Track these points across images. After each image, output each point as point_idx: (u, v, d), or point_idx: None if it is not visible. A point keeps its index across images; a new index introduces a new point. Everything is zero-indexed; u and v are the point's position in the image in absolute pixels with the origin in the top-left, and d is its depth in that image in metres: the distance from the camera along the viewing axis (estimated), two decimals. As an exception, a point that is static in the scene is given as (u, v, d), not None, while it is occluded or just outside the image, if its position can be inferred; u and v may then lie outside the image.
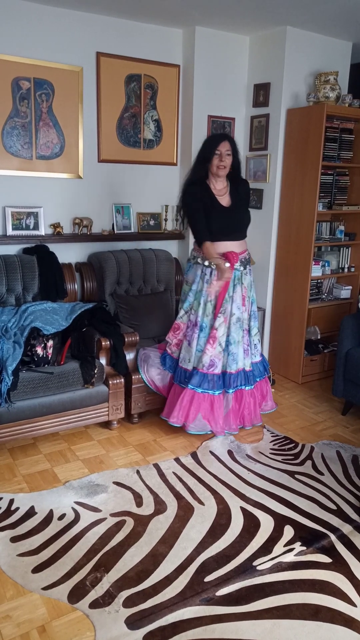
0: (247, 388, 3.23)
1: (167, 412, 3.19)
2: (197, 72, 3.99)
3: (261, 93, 4.12)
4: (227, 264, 2.97)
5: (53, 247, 3.65)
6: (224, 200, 3.08)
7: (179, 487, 2.70)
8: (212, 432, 3.17)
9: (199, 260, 3.13)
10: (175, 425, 3.12)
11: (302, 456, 3.06)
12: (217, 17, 3.68)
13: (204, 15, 3.65)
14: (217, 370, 3.12)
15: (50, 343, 3.06)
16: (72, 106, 3.68)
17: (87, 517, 2.43)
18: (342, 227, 4.28)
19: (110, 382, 3.13)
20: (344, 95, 3.92)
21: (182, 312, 3.23)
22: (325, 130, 3.78)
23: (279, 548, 2.28)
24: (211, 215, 3.01)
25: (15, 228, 3.57)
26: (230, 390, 3.18)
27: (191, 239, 4.06)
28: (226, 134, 3.05)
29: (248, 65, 4.23)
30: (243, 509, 2.54)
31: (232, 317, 3.13)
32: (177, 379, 3.21)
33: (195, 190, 3.04)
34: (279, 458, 3.04)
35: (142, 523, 2.41)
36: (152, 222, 4.17)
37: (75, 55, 3.62)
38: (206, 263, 3.08)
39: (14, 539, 2.28)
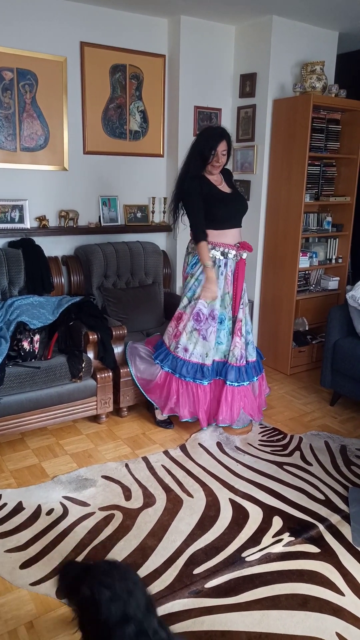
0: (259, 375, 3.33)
1: (174, 409, 3.13)
2: (182, 62, 3.95)
3: (247, 83, 4.09)
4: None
5: (39, 240, 3.60)
6: (224, 188, 3.06)
7: (168, 479, 2.70)
8: (251, 422, 3.30)
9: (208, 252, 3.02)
10: (224, 425, 3.15)
11: (291, 447, 3.07)
12: (202, 6, 3.64)
13: (189, 4, 3.60)
14: (244, 360, 3.14)
15: (37, 337, 3.03)
16: (56, 97, 3.62)
17: (75, 512, 2.42)
18: (329, 218, 4.28)
19: (98, 376, 3.11)
20: (331, 86, 3.90)
21: (185, 301, 3.12)
22: (312, 121, 3.77)
23: (267, 539, 2.28)
24: (217, 203, 2.98)
25: (0, 221, 3.53)
26: (255, 379, 3.22)
27: (180, 232, 4.05)
28: (223, 131, 2.94)
29: (234, 55, 4.19)
30: (232, 501, 2.54)
31: (246, 307, 3.17)
32: (190, 375, 3.06)
33: (196, 185, 2.96)
34: (268, 449, 3.04)
35: (130, 516, 2.40)
36: (139, 215, 4.14)
37: (58, 45, 3.56)
38: (216, 254, 3.01)
39: (2, 535, 2.26)
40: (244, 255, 3.07)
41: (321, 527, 2.37)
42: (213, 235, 3.02)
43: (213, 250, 3.02)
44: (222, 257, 3.02)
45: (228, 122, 4.28)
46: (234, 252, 3.03)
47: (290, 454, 2.99)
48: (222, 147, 2.91)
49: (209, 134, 2.95)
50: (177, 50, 3.95)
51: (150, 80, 4.01)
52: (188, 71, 3.98)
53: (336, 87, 3.91)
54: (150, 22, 3.91)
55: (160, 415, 3.27)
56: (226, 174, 3.14)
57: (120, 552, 2.18)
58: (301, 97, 3.79)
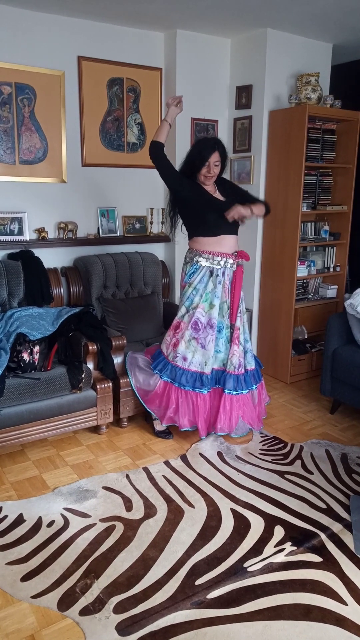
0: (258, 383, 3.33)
1: (171, 419, 3.12)
2: (179, 75, 4.00)
3: (243, 95, 4.14)
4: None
5: (38, 252, 3.63)
6: (218, 196, 3.08)
7: (169, 490, 2.69)
8: (251, 431, 3.29)
9: (205, 261, 3.04)
10: (222, 434, 3.15)
11: (292, 456, 3.07)
12: (198, 20, 3.70)
13: (185, 18, 3.66)
14: (242, 369, 3.14)
15: (36, 349, 3.04)
16: (54, 111, 3.66)
17: (76, 523, 2.41)
18: (326, 227, 4.30)
19: (98, 387, 3.12)
20: (326, 96, 3.95)
21: (183, 310, 3.12)
22: (307, 131, 3.81)
23: (269, 549, 2.28)
24: (208, 208, 3.00)
25: (-1, 234, 3.55)
26: (254, 387, 3.22)
27: (177, 242, 4.07)
28: (217, 142, 2.97)
29: (230, 67, 4.25)
30: (233, 511, 2.53)
31: (244, 316, 3.18)
32: (189, 384, 3.06)
33: (185, 177, 3.03)
34: (269, 458, 3.04)
35: (132, 527, 2.39)
36: (137, 225, 4.17)
37: (56, 59, 3.61)
38: (212, 263, 3.03)
39: (3, 548, 2.25)
40: (241, 263, 3.08)
41: (323, 536, 2.36)
42: (209, 243, 3.04)
43: (210, 259, 3.04)
44: (219, 266, 3.04)
45: (225, 133, 4.33)
46: (231, 261, 3.05)
47: (291, 463, 2.99)
48: (214, 158, 2.94)
49: (202, 145, 2.99)
50: (173, 63, 4.00)
51: (148, 93, 4.05)
52: (185, 84, 4.03)
53: (331, 97, 3.95)
54: (147, 36, 3.97)
55: (159, 426, 3.26)
56: (223, 184, 3.16)
57: (121, 563, 2.17)
58: (297, 108, 3.83)
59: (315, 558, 2.22)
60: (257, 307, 4.38)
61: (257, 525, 2.43)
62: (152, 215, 4.20)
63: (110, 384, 3.17)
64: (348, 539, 2.34)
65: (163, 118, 3.08)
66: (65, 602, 1.97)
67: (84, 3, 3.33)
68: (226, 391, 3.08)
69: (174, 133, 4.08)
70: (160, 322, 3.89)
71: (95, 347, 3.14)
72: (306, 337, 4.24)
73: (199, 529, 2.39)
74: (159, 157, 3.01)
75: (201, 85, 4.12)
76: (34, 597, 2.00)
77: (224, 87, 4.27)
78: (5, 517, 2.46)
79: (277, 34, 3.91)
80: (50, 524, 2.41)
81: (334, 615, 1.93)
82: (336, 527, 2.43)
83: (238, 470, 2.90)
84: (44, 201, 3.74)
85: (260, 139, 4.07)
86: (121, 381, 3.22)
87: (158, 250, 4.30)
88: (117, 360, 3.27)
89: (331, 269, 4.40)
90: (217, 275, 3.04)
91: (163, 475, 2.83)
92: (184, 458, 3.01)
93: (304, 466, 2.95)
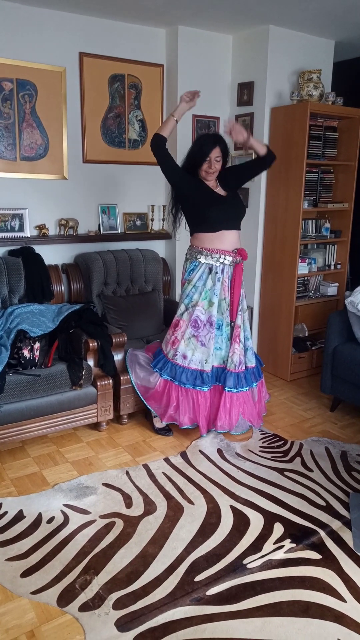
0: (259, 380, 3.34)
1: (172, 417, 3.13)
2: (180, 71, 3.99)
3: (245, 92, 4.13)
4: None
5: (39, 248, 3.62)
6: (220, 191, 3.08)
7: (169, 487, 2.70)
8: (251, 428, 3.31)
9: (204, 258, 3.04)
10: (222, 431, 3.17)
11: (291, 453, 3.07)
12: (199, 16, 3.68)
13: (187, 15, 3.65)
14: (243, 367, 3.14)
15: (37, 345, 3.04)
16: (55, 107, 3.66)
17: (76, 520, 2.42)
18: (327, 225, 4.30)
19: (98, 384, 3.12)
20: (328, 93, 3.94)
21: (183, 308, 3.12)
22: (309, 129, 3.80)
23: (268, 546, 2.28)
24: (209, 204, 2.99)
25: (0, 230, 3.55)
26: (254, 384, 3.23)
27: (179, 239, 4.07)
28: (217, 138, 2.98)
29: (232, 64, 4.23)
30: (233, 508, 2.54)
31: (245, 313, 3.18)
32: (190, 382, 3.06)
33: (185, 172, 3.04)
34: (268, 456, 3.04)
35: (131, 524, 2.40)
36: (138, 222, 4.17)
37: (58, 55, 3.60)
38: (212, 261, 3.03)
39: (3, 544, 2.26)
40: (239, 261, 3.06)
41: (322, 533, 2.36)
42: (209, 239, 3.04)
43: (209, 257, 3.04)
44: (218, 264, 3.03)
45: (226, 130, 4.31)
46: (230, 259, 3.04)
47: (290, 460, 2.99)
48: (215, 153, 2.94)
49: (203, 141, 2.99)
50: (175, 60, 3.99)
51: (149, 89, 4.05)
52: (186, 80, 4.02)
53: (333, 94, 3.94)
54: (149, 32, 3.96)
55: (159, 423, 3.27)
56: (225, 178, 3.13)
57: (121, 560, 2.18)
58: (298, 105, 3.82)
59: (314, 555, 2.23)
60: (258, 305, 4.38)
61: (256, 522, 2.44)
62: (153, 212, 4.20)
63: (111, 381, 3.17)
64: (347, 536, 2.35)
65: (171, 113, 3.05)
66: (65, 598, 1.98)
67: (85, -1, 3.32)
68: (226, 389, 3.08)
69: (175, 130, 4.07)
70: (161, 319, 3.89)
71: (96, 344, 3.14)
72: (306, 334, 4.24)
73: (199, 526, 2.40)
74: (160, 150, 2.99)
75: (203, 82, 4.10)
76: (34, 592, 2.00)
77: (226, 83, 4.26)
78: (5, 513, 2.47)
79: (279, 30, 3.89)
80: (50, 521, 2.41)
81: (332, 612, 1.94)
82: (335, 524, 2.43)
83: (238, 468, 2.90)
84: (44, 198, 3.73)
85: (261, 135, 4.06)
86: (121, 378, 3.22)
87: (159, 247, 4.30)
88: (118, 357, 3.27)
89: (332, 267, 4.40)
90: (216, 273, 3.04)
91: (163, 472, 2.83)
92: (183, 455, 3.02)
93: (303, 464, 2.96)
